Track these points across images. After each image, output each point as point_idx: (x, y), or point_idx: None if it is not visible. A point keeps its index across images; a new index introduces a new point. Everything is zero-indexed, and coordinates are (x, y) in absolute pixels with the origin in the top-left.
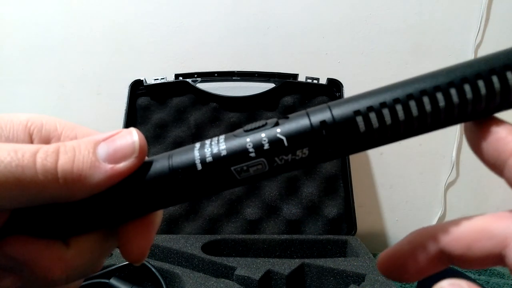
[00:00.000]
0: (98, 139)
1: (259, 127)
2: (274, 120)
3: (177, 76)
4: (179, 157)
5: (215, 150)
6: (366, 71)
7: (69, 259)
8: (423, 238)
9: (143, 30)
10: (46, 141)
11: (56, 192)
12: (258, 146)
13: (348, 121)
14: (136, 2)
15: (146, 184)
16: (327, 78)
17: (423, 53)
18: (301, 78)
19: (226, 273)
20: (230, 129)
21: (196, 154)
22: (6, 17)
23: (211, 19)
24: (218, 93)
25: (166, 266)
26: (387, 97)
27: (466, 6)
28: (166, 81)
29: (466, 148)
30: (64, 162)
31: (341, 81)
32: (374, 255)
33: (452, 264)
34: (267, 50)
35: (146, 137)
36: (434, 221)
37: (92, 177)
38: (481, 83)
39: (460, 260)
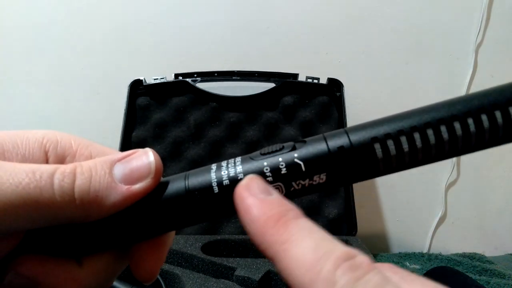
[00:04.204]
0: (114, 159)
1: (276, 151)
2: (291, 144)
3: (176, 75)
4: (195, 179)
5: (232, 173)
6: (366, 71)
7: (82, 279)
8: None
9: (142, 29)
10: (61, 158)
11: (72, 213)
12: (275, 170)
13: (366, 147)
14: (136, 2)
15: (161, 205)
16: (328, 78)
17: (423, 53)
18: (301, 78)
19: (226, 273)
20: (230, 129)
21: (213, 176)
22: (6, 17)
23: (211, 19)
24: (218, 93)
25: (165, 266)
26: (405, 125)
27: (466, 6)
28: (165, 80)
29: None
30: (81, 183)
31: (341, 80)
32: (375, 255)
33: None
34: (267, 50)
35: (146, 137)
36: (434, 222)
37: (108, 198)
38: (498, 114)
39: None
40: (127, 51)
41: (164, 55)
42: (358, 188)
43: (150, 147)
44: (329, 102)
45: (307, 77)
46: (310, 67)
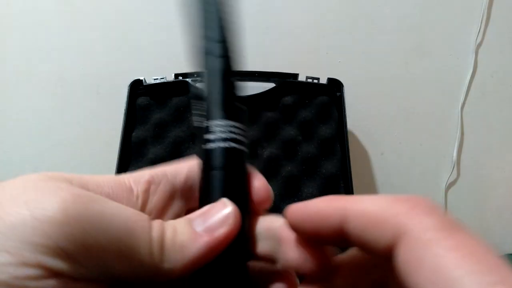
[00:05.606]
0: (193, 216)
1: None
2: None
3: (176, 75)
4: None
5: None
6: (366, 71)
7: None
8: (331, 210)
9: (142, 29)
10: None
11: (158, 265)
12: None
13: None
14: (136, 2)
15: None
16: (328, 78)
17: (423, 53)
18: (301, 78)
19: None
20: None
21: None
22: (6, 17)
23: None
24: None
25: None
26: None
27: (466, 6)
28: (165, 80)
29: (467, 148)
30: (168, 235)
31: (341, 80)
32: None
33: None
34: (267, 50)
35: (146, 137)
36: None
37: (193, 247)
38: None
39: (355, 242)
40: (126, 51)
41: (164, 55)
42: (358, 188)
43: (150, 147)
44: (329, 102)
45: (307, 77)
46: (310, 67)
